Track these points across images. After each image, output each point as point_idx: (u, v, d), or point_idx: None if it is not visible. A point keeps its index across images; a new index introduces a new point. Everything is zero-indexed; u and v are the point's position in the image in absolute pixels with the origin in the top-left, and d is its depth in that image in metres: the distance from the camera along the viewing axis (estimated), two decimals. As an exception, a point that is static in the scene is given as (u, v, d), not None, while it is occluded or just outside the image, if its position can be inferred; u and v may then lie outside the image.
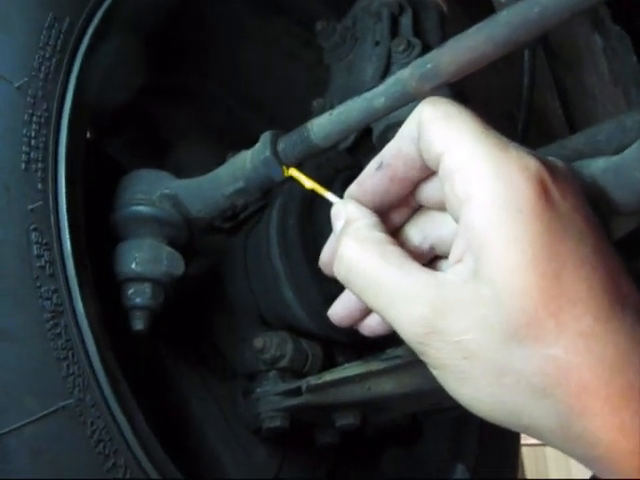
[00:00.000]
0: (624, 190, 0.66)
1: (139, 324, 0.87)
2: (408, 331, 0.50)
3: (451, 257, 0.52)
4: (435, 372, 0.51)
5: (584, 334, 0.46)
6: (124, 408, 0.74)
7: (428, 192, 0.58)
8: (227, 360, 1.11)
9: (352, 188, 0.61)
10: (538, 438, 0.49)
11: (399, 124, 0.95)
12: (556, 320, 0.46)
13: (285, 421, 1.03)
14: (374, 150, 1.05)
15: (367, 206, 0.59)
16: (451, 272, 0.50)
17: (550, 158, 0.52)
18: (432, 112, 0.53)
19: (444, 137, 0.52)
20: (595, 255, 0.48)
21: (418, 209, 0.61)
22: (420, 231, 0.60)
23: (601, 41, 1.02)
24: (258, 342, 1.03)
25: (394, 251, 0.54)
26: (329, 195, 0.65)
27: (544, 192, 0.48)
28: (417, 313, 0.49)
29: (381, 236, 0.55)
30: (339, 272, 0.56)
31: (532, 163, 0.49)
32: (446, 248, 0.57)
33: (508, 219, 0.47)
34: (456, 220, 0.52)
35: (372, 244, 0.54)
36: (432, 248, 0.59)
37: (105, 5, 0.87)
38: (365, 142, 1.05)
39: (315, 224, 1.04)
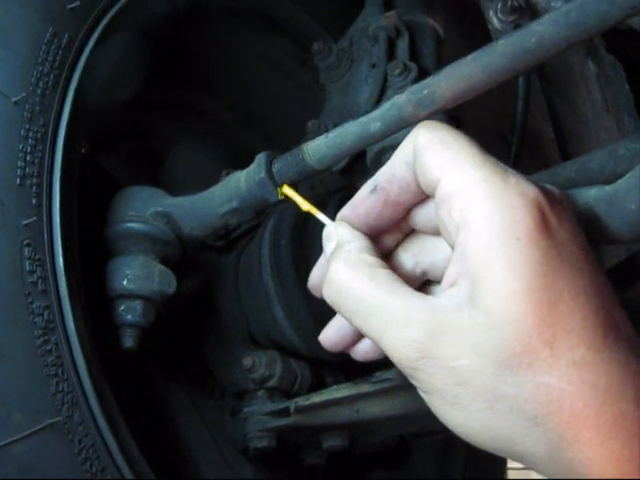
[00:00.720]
0: (616, 220, 0.66)
1: (129, 341, 0.86)
2: (400, 355, 0.50)
3: (445, 281, 0.51)
4: (426, 397, 0.51)
5: (577, 363, 0.46)
6: (112, 426, 0.73)
7: (422, 216, 0.58)
8: (216, 378, 1.10)
9: (345, 211, 0.60)
10: (528, 465, 0.49)
11: (393, 147, 0.96)
12: (550, 349, 0.46)
13: (272, 441, 1.02)
14: (368, 172, 1.05)
15: (360, 229, 0.59)
16: (444, 296, 0.50)
17: (547, 186, 0.52)
18: (428, 137, 0.53)
19: (441, 162, 0.52)
20: (590, 285, 0.49)
21: (410, 233, 0.61)
22: (413, 255, 0.60)
23: (595, 68, 1.03)
24: (247, 361, 1.03)
25: (386, 275, 0.53)
26: (321, 216, 0.65)
27: (542, 220, 0.48)
28: (410, 337, 0.49)
29: (373, 259, 0.55)
30: (329, 295, 0.55)
31: (531, 190, 0.49)
32: (438, 273, 0.57)
33: (506, 246, 0.47)
34: (451, 245, 0.52)
35: (363, 267, 0.54)
36: (424, 273, 0.59)
37: (104, 21, 0.88)
38: (358, 164, 1.05)
39: (307, 245, 1.05)
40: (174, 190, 0.95)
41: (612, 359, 0.47)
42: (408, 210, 0.58)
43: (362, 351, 0.62)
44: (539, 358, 0.46)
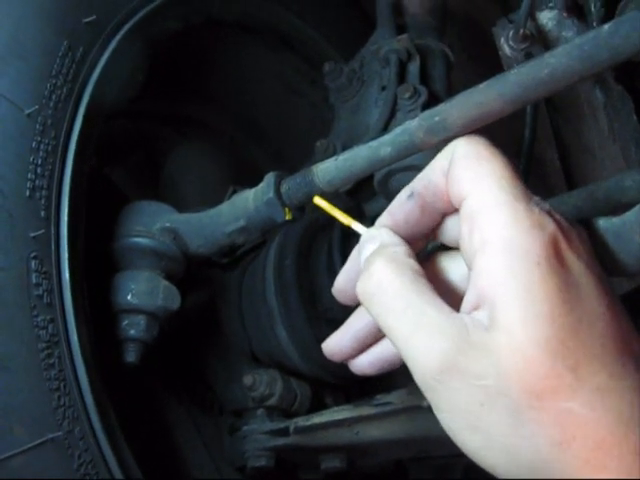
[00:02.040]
0: (623, 252, 0.66)
1: (131, 356, 0.86)
2: (426, 363, 0.49)
3: (466, 303, 0.51)
4: (444, 416, 0.50)
5: (600, 390, 0.46)
6: (112, 442, 0.73)
7: (447, 228, 0.59)
8: (216, 395, 1.10)
9: (383, 218, 0.60)
10: None
11: (401, 170, 0.97)
12: (574, 374, 0.46)
13: (270, 460, 1.02)
14: (375, 194, 1.05)
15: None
16: (470, 318, 0.50)
17: (567, 219, 0.53)
18: (466, 149, 0.54)
19: (470, 178, 0.53)
20: (608, 313, 0.49)
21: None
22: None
23: (602, 98, 1.03)
24: (248, 379, 1.02)
25: (425, 283, 0.53)
26: (356, 225, 0.65)
27: (556, 252, 0.49)
28: (439, 346, 0.48)
29: (415, 265, 0.55)
30: (365, 290, 0.54)
31: (548, 223, 0.50)
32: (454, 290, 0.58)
33: (526, 270, 0.48)
34: (469, 264, 0.52)
35: (407, 269, 0.54)
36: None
37: (118, 36, 0.88)
38: (366, 186, 1.05)
39: (311, 266, 1.05)
40: (180, 206, 0.95)
41: (633, 387, 0.47)
42: (442, 219, 0.59)
43: (360, 365, 0.62)
44: (563, 383, 0.46)
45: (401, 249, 0.56)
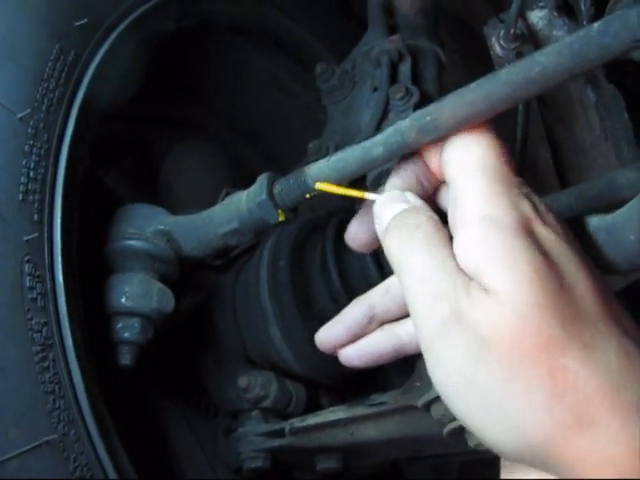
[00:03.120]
0: (615, 250, 0.67)
1: (126, 359, 0.86)
2: (427, 322, 0.52)
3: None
4: (439, 376, 0.51)
5: (589, 347, 0.47)
6: (107, 445, 0.73)
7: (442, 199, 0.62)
8: (210, 397, 1.10)
9: (393, 179, 0.64)
10: (541, 460, 0.48)
11: (394, 170, 0.97)
12: (564, 331, 0.48)
13: (266, 462, 1.02)
14: (368, 194, 1.05)
15: None
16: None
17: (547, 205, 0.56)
18: (459, 136, 0.59)
19: (457, 163, 0.57)
20: (588, 281, 0.51)
21: None
22: None
23: (594, 97, 1.04)
24: (242, 381, 1.02)
25: (445, 247, 0.55)
26: (369, 195, 0.66)
27: (528, 228, 0.52)
28: (446, 297, 0.51)
29: (438, 229, 0.57)
30: (396, 228, 0.58)
31: (523, 204, 0.54)
32: None
33: (502, 239, 0.51)
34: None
35: (436, 224, 0.57)
36: None
37: (110, 39, 0.88)
38: (358, 186, 1.05)
39: (305, 267, 1.05)
40: (174, 208, 0.95)
41: (620, 347, 0.48)
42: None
43: (348, 355, 0.65)
44: (555, 340, 0.47)
45: (426, 212, 0.59)
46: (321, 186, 0.71)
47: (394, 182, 0.64)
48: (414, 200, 0.60)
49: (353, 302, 0.66)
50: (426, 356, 0.53)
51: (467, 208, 0.54)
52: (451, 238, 0.56)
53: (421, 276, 0.53)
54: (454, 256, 0.54)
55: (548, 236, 0.53)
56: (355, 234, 0.68)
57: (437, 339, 0.51)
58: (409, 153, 0.64)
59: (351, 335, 0.65)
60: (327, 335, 0.66)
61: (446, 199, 0.61)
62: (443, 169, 0.59)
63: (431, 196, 0.63)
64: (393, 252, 0.57)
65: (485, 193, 0.54)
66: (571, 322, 0.48)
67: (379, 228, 0.61)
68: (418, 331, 0.53)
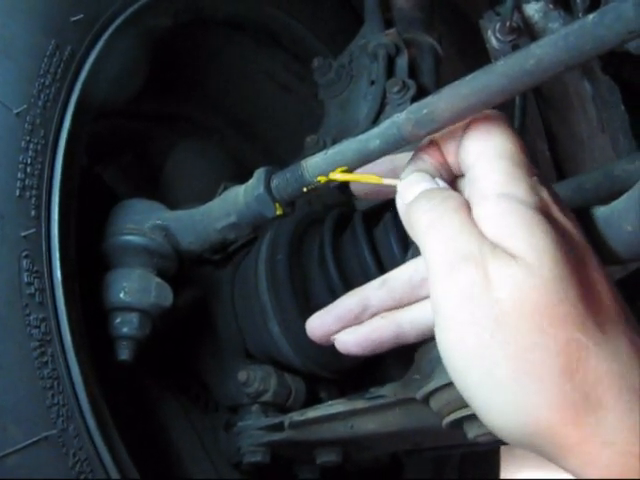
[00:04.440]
0: (612, 241, 0.67)
1: (125, 354, 0.86)
2: (456, 270, 0.51)
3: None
4: (453, 336, 0.51)
5: (602, 329, 0.48)
6: (107, 440, 0.73)
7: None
8: (210, 392, 1.10)
9: (413, 162, 0.64)
10: (543, 441, 0.48)
11: (391, 164, 0.97)
12: (584, 307, 0.48)
13: (266, 456, 1.02)
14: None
15: None
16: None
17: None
18: (477, 124, 0.59)
19: (476, 151, 0.57)
20: (599, 270, 0.52)
21: None
22: None
23: (591, 89, 1.04)
24: (242, 375, 1.02)
25: (471, 220, 0.55)
26: (388, 180, 0.65)
27: (547, 212, 0.53)
28: (471, 250, 0.51)
29: (463, 204, 0.57)
30: (426, 197, 0.58)
31: (542, 190, 0.54)
32: None
33: (523, 211, 0.52)
34: None
35: (454, 206, 0.56)
36: None
37: (106, 34, 0.88)
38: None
39: (304, 260, 1.05)
40: (172, 203, 0.95)
41: (627, 333, 0.49)
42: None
43: (344, 342, 0.64)
44: (574, 312, 0.48)
45: (451, 190, 0.59)
46: (337, 176, 0.70)
47: (412, 169, 0.63)
48: (439, 182, 0.61)
49: (348, 293, 0.66)
50: (439, 319, 0.52)
51: (487, 187, 0.54)
52: None
53: (449, 235, 0.53)
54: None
55: (565, 223, 0.53)
56: (318, 326, 0.66)
57: (459, 300, 0.51)
58: (426, 144, 0.64)
59: (342, 324, 0.64)
60: (318, 323, 0.66)
61: (462, 191, 0.61)
62: (462, 157, 0.59)
63: None
64: (421, 215, 0.57)
65: (505, 175, 0.54)
66: (588, 301, 0.49)
67: (402, 202, 0.61)
68: (437, 292, 0.53)
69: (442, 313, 0.52)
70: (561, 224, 0.53)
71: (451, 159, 0.62)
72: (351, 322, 0.64)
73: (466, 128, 0.60)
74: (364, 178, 0.68)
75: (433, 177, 0.61)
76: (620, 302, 0.52)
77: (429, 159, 0.62)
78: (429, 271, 0.54)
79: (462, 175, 0.61)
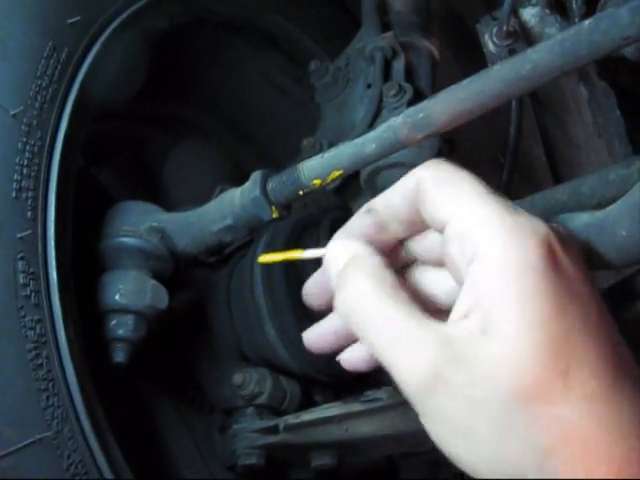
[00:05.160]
0: (607, 246, 0.67)
1: (120, 356, 0.86)
2: (411, 377, 0.49)
3: (454, 314, 0.51)
4: (433, 427, 0.49)
5: (589, 397, 0.46)
6: (101, 442, 0.73)
7: (421, 248, 0.59)
8: (205, 394, 1.10)
9: (341, 231, 0.61)
10: None
11: (387, 167, 0.97)
12: (564, 381, 0.46)
13: (261, 459, 1.02)
14: (361, 191, 1.06)
15: None
16: (456, 327, 0.49)
17: (554, 225, 0.53)
18: (434, 178, 0.54)
19: (451, 202, 0.52)
20: (599, 320, 0.49)
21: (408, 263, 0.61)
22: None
23: (587, 93, 1.04)
24: (237, 378, 1.02)
25: (404, 295, 0.52)
26: (311, 251, 0.63)
27: (553, 256, 0.49)
28: (425, 358, 0.48)
29: (393, 276, 0.54)
30: (344, 305, 0.54)
31: (541, 227, 0.50)
32: (437, 303, 0.58)
33: (519, 278, 0.47)
34: (459, 280, 0.52)
35: (384, 282, 0.53)
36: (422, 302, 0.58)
37: (103, 36, 0.88)
38: (352, 183, 1.05)
39: (300, 263, 1.05)
40: (169, 205, 0.95)
41: (622, 394, 0.47)
42: (399, 241, 0.59)
43: (351, 361, 0.61)
44: (553, 390, 0.45)
45: (376, 259, 0.55)
46: (262, 259, 0.69)
47: (341, 234, 0.60)
48: (359, 246, 0.56)
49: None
50: (414, 407, 0.50)
51: (480, 243, 0.50)
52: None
53: (389, 331, 0.50)
54: (413, 299, 0.52)
55: (569, 265, 0.49)
56: (312, 292, 0.65)
57: (424, 397, 0.48)
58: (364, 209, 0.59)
59: (342, 341, 0.61)
60: (315, 340, 0.63)
61: (424, 245, 0.58)
62: (427, 215, 0.54)
63: (395, 245, 0.60)
64: (348, 309, 0.53)
65: (496, 223, 0.50)
66: (576, 370, 0.46)
67: (331, 283, 0.57)
68: (401, 388, 0.50)
69: (414, 406, 0.50)
70: (563, 270, 0.49)
71: (403, 214, 0.57)
72: (348, 340, 0.62)
73: (418, 184, 0.55)
74: (288, 256, 0.66)
75: (366, 241, 0.57)
76: (624, 356, 0.49)
77: (364, 222, 0.59)
78: (386, 369, 0.51)
79: (419, 230, 0.58)
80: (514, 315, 0.47)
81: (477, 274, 0.49)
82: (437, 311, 0.56)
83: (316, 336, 0.63)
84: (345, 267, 0.55)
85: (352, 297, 0.53)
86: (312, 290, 0.65)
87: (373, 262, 0.55)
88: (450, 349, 0.48)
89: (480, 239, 0.50)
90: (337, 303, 0.55)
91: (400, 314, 0.50)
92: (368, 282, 0.53)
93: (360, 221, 0.59)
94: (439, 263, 0.56)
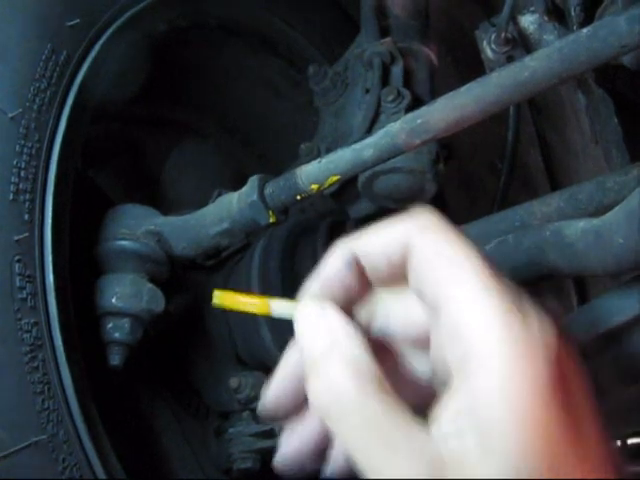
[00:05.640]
0: (603, 253, 0.67)
1: (116, 359, 0.86)
2: None
3: (443, 413, 0.44)
4: None
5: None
6: (96, 445, 0.73)
7: (404, 319, 0.51)
8: (201, 398, 1.10)
9: (317, 285, 0.52)
10: None
11: (384, 172, 0.98)
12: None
13: (256, 463, 1.02)
14: (359, 196, 1.06)
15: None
16: (450, 441, 0.43)
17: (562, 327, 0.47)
18: (427, 243, 0.47)
19: (446, 283, 0.46)
20: (600, 444, 0.44)
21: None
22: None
23: (584, 101, 1.05)
24: (233, 382, 1.02)
25: (390, 394, 0.45)
26: (278, 304, 0.55)
27: (562, 377, 0.43)
28: (413, 475, 0.42)
29: (377, 369, 0.46)
30: (320, 400, 0.46)
31: (552, 340, 0.44)
32: (414, 377, 0.52)
33: (526, 394, 0.42)
34: (441, 364, 0.46)
35: (368, 376, 0.46)
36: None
37: (102, 39, 0.88)
38: (350, 188, 1.06)
39: (296, 268, 1.05)
40: (166, 208, 0.95)
41: None
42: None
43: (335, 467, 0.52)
44: None
45: (358, 347, 0.47)
46: (216, 302, 0.55)
47: (314, 287, 0.52)
48: (337, 323, 0.48)
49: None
50: None
51: (482, 346, 0.43)
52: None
53: (371, 438, 0.43)
54: (404, 408, 0.44)
55: (578, 383, 0.44)
56: (274, 402, 0.52)
57: None
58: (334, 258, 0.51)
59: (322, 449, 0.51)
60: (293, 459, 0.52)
61: (404, 315, 0.51)
62: (423, 286, 0.47)
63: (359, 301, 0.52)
64: (324, 405, 0.45)
65: (502, 325, 0.43)
66: None
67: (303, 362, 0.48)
68: None
69: None
70: (573, 387, 0.44)
71: (385, 270, 0.50)
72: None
73: (403, 242, 0.48)
74: (245, 307, 0.55)
75: (344, 315, 0.49)
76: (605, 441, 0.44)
77: (341, 274, 0.50)
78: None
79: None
80: (515, 435, 0.41)
81: (474, 381, 0.43)
82: (412, 381, 0.51)
83: (293, 456, 0.52)
84: (321, 353, 0.47)
85: (330, 392, 0.46)
86: (275, 397, 0.52)
87: (353, 347, 0.47)
88: (441, 470, 0.42)
89: (481, 343, 0.43)
90: (311, 394, 0.47)
91: (386, 421, 0.44)
92: (348, 374, 0.45)
93: (337, 271, 0.51)
94: (418, 337, 0.50)
